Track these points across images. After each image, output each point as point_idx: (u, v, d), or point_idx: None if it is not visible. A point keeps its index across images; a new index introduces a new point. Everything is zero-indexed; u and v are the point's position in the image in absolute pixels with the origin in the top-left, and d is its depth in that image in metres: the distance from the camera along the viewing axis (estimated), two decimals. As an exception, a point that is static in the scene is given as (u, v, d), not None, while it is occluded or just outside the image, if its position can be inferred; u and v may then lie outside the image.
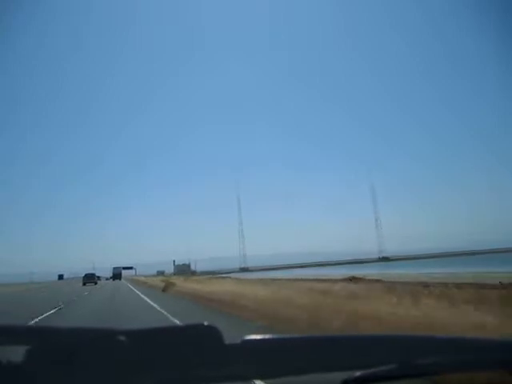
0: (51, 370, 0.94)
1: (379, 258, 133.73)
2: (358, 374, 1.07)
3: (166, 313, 12.60)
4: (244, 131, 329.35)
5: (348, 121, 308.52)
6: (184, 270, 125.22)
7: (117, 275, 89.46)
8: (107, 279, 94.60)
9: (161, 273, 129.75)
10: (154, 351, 0.98)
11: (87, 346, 0.97)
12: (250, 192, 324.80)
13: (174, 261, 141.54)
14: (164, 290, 25.37)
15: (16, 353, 0.96)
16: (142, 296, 22.01)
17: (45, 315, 13.07)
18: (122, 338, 0.98)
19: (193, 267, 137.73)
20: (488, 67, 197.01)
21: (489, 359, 1.15)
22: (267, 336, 1.09)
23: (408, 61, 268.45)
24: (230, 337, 1.03)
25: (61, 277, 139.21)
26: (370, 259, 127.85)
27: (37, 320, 11.61)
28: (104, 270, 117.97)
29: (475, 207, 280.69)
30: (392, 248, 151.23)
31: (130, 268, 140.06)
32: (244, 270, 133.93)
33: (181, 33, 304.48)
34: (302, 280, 26.61)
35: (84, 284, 48.78)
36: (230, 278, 44.11)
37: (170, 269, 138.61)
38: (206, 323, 1.02)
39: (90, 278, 52.35)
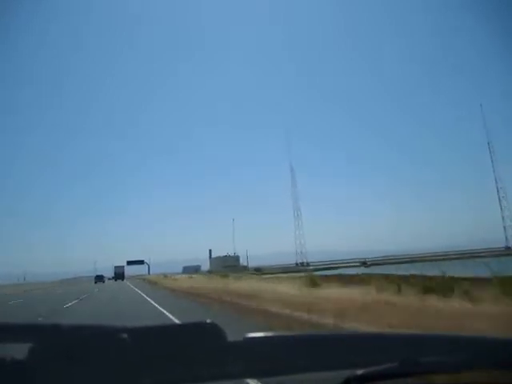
0: (53, 367, 0.95)
1: (506, 247, 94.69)
2: (360, 371, 1.07)
3: None
4: (246, 130, 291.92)
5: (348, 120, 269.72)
6: (230, 266, 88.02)
7: (119, 275, 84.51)
8: (109, 279, 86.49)
9: (193, 269, 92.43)
10: (156, 349, 0.99)
11: (89, 344, 0.99)
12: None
13: (210, 251, 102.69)
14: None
15: (19, 350, 0.96)
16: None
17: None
18: (124, 335, 0.99)
19: (243, 262, 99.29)
20: (489, 67, 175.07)
21: (490, 358, 1.13)
22: (269, 333, 1.10)
23: (408, 61, 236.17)
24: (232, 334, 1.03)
25: None
26: (484, 250, 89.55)
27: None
28: (109, 269, 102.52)
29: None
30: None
31: (141, 262, 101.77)
32: (302, 266, 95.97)
33: (181, 33, 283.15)
34: None
35: (95, 282, 62.56)
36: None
37: (204, 265, 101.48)
38: (208, 321, 1.03)
39: (99, 279, 67.65)
